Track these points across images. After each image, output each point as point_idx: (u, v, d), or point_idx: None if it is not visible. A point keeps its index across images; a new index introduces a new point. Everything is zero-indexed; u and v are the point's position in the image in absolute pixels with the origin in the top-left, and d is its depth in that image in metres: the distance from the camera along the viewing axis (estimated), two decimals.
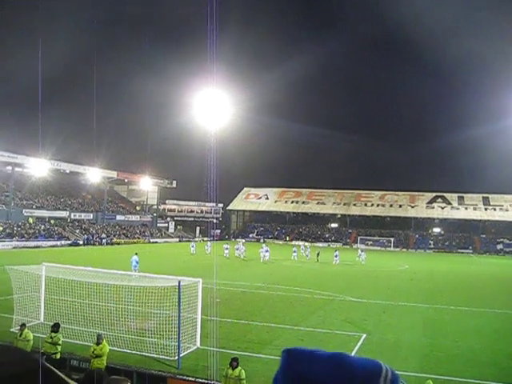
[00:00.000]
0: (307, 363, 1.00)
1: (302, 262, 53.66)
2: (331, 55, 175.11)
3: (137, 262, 35.16)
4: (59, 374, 0.92)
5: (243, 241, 79.51)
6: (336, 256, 54.46)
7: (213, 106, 73.14)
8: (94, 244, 75.07)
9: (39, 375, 0.87)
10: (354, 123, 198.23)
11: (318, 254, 57.35)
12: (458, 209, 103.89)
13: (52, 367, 0.91)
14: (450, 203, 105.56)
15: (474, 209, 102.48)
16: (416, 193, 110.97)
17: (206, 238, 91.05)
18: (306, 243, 79.23)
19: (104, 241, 78.44)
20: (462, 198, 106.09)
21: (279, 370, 1.04)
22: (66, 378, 0.92)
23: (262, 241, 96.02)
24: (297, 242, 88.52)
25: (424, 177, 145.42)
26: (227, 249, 57.58)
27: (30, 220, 75.49)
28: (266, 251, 54.19)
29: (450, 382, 14.40)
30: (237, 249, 60.30)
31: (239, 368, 12.01)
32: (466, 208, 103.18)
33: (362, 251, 60.25)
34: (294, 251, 58.94)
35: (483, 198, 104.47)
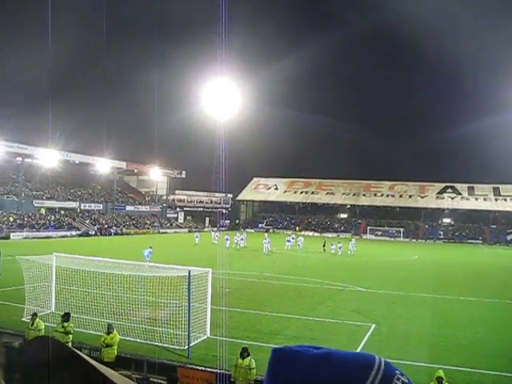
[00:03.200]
0: (292, 364, 0.99)
1: (309, 252, 53.70)
2: (341, 45, 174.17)
3: (150, 253, 35.78)
4: (90, 361, 0.93)
5: (243, 231, 78.54)
6: (340, 248, 54.33)
7: (222, 97, 72.96)
8: (104, 234, 75.37)
9: (73, 363, 0.90)
10: (364, 114, 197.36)
11: (324, 245, 57.27)
12: (468, 199, 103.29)
13: (83, 355, 0.94)
14: (460, 194, 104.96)
15: (485, 199, 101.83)
16: (426, 183, 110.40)
17: (215, 229, 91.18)
18: (293, 234, 79.11)
19: (113, 231, 78.75)
20: (473, 188, 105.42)
21: (267, 370, 1.03)
22: (96, 364, 0.93)
23: (270, 231, 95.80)
24: (289, 232, 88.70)
25: (434, 167, 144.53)
26: (227, 239, 55.75)
27: (42, 211, 75.87)
28: (268, 242, 52.84)
29: (459, 372, 14.40)
30: (241, 239, 60.50)
31: (249, 357, 12.07)
32: (476, 198, 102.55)
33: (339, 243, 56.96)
34: (288, 240, 60.31)
35: (493, 188, 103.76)
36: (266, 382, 1.03)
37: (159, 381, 13.07)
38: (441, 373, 11.23)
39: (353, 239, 62.73)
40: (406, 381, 1.00)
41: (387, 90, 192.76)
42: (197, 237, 62.03)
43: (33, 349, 0.90)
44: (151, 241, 50.40)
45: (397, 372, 1.00)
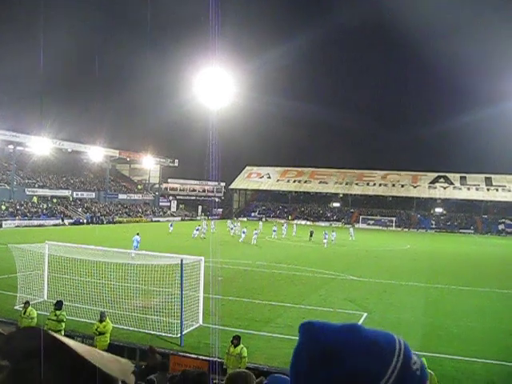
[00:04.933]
0: (325, 335, 1.02)
1: (293, 241, 53.87)
2: (336, 33, 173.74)
3: (138, 242, 35.39)
4: (80, 349, 0.92)
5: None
6: (332, 236, 54.14)
7: (214, 85, 72.70)
8: (96, 223, 75.16)
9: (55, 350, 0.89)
10: (357, 103, 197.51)
11: (312, 234, 57.25)
12: (460, 189, 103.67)
13: (72, 344, 0.96)
14: (452, 183, 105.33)
15: (477, 189, 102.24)
16: (418, 173, 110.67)
17: (208, 217, 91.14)
18: (276, 222, 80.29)
19: (105, 219, 78.58)
20: (465, 178, 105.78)
21: (299, 343, 1.05)
22: (87, 352, 0.92)
23: (263, 220, 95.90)
24: (282, 221, 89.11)
25: (426, 157, 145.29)
26: (197, 229, 53.68)
27: (35, 199, 75.54)
28: (255, 234, 50.77)
29: (449, 361, 14.53)
30: (231, 228, 61.04)
31: (241, 346, 12.10)
32: (469, 188, 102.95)
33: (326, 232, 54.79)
34: (274, 230, 60.46)
35: (485, 178, 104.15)
36: (298, 355, 1.04)
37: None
38: (424, 361, 11.28)
39: (351, 228, 64.91)
40: (420, 362, 1.06)
41: (381, 79, 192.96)
42: (171, 225, 60.33)
43: (20, 337, 0.89)
44: (142, 229, 50.24)
45: (413, 355, 1.05)
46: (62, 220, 71.37)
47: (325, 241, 50.83)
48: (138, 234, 36.41)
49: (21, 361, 0.86)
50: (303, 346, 1.04)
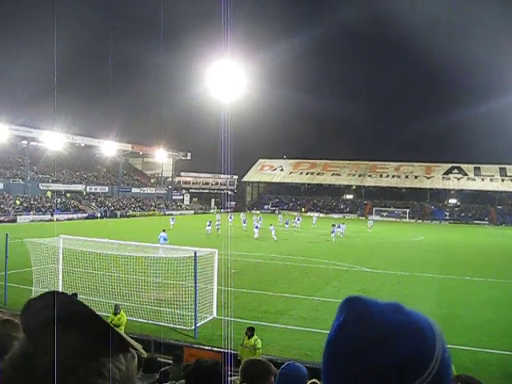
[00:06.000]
0: (376, 314, 0.95)
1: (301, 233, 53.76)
2: (346, 25, 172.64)
3: (165, 239, 32.51)
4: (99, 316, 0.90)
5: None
6: (341, 228, 52.35)
7: (227, 78, 72.60)
8: (110, 217, 75.52)
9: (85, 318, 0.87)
10: (370, 94, 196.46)
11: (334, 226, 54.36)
12: (474, 180, 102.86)
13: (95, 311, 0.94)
14: (466, 174, 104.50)
15: (491, 180, 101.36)
16: (432, 164, 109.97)
17: (222, 210, 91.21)
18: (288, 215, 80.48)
19: (118, 213, 78.94)
20: (479, 168, 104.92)
21: (344, 321, 0.96)
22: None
23: (276, 213, 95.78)
24: (295, 213, 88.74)
25: (440, 148, 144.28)
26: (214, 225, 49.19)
27: (48, 194, 76.05)
28: (256, 227, 47.93)
29: (465, 352, 14.44)
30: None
31: (255, 337, 12.11)
32: (483, 179, 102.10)
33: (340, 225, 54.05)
34: (287, 222, 59.70)
35: (500, 168, 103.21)
36: (341, 329, 0.95)
37: (166, 360, 13.17)
38: None
39: (370, 220, 65.82)
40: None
41: (394, 70, 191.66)
42: (172, 220, 56.99)
43: (39, 306, 0.86)
44: (154, 222, 50.22)
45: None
46: (52, 215, 69.02)
47: (332, 234, 48.02)
48: (164, 231, 33.67)
49: (36, 330, 0.82)
50: (351, 326, 0.94)
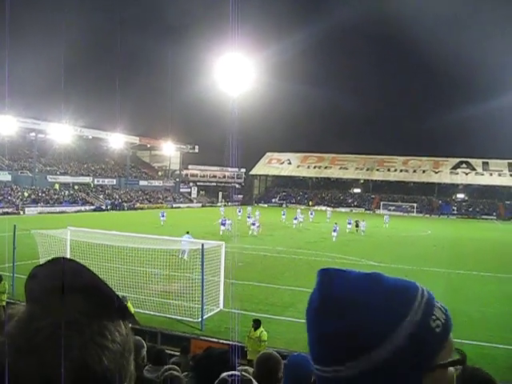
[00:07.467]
0: (343, 281, 0.96)
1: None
2: (355, 18, 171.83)
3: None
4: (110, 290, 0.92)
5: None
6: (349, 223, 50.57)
7: (235, 72, 72.51)
8: (117, 209, 75.68)
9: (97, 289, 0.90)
10: (378, 88, 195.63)
11: (358, 224, 50.73)
12: (482, 174, 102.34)
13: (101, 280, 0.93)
14: (474, 169, 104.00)
15: (499, 175, 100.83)
16: (440, 158, 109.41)
17: (230, 203, 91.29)
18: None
19: (126, 206, 79.12)
20: (487, 163, 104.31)
21: (315, 289, 1.00)
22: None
23: (283, 206, 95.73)
24: (302, 207, 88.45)
25: (448, 142, 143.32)
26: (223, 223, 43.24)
27: (56, 186, 76.26)
28: (253, 224, 44.70)
29: (472, 346, 14.39)
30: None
31: (261, 329, 12.13)
32: (491, 174, 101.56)
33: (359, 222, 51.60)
34: (295, 218, 55.69)
35: (508, 163, 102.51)
36: (314, 301, 0.98)
37: (173, 352, 13.22)
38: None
39: (386, 216, 65.39)
40: (444, 317, 0.97)
41: (402, 64, 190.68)
42: (163, 216, 50.48)
43: (45, 273, 0.85)
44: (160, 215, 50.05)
45: (433, 298, 0.99)
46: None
47: (334, 233, 42.13)
48: (188, 233, 26.72)
49: (42, 295, 0.82)
50: (318, 294, 0.98)
